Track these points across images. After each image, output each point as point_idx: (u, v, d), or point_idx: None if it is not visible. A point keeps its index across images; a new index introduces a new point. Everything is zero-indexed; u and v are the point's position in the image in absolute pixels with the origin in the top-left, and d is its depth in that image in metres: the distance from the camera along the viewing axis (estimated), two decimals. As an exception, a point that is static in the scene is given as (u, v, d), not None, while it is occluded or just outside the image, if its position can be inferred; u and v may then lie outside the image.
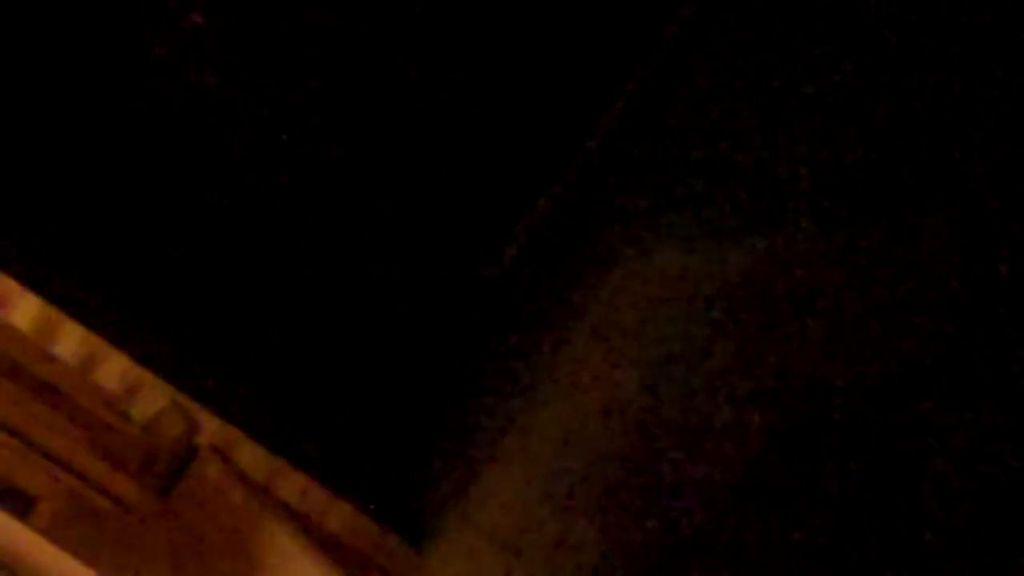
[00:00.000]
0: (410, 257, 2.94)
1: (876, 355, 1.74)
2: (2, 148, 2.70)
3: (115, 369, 2.66)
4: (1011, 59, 1.83)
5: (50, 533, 1.50)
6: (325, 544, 2.42)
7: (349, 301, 2.90)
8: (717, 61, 2.74)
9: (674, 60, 2.90)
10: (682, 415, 2.10)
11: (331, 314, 2.89)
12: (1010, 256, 1.62)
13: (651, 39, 2.96)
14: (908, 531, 1.51)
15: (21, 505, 1.67)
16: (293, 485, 2.71)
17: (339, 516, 2.74)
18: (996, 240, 1.66)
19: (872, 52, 2.17)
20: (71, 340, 2.65)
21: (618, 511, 2.12)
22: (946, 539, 1.47)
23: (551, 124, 2.99)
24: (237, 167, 2.85)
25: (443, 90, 2.93)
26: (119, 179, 2.77)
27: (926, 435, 1.58)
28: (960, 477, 1.49)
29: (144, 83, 2.78)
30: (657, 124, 2.84)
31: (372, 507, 2.74)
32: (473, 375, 2.93)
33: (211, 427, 2.65)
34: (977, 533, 1.44)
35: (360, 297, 2.90)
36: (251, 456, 2.68)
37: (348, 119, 2.89)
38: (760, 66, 2.54)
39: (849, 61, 2.22)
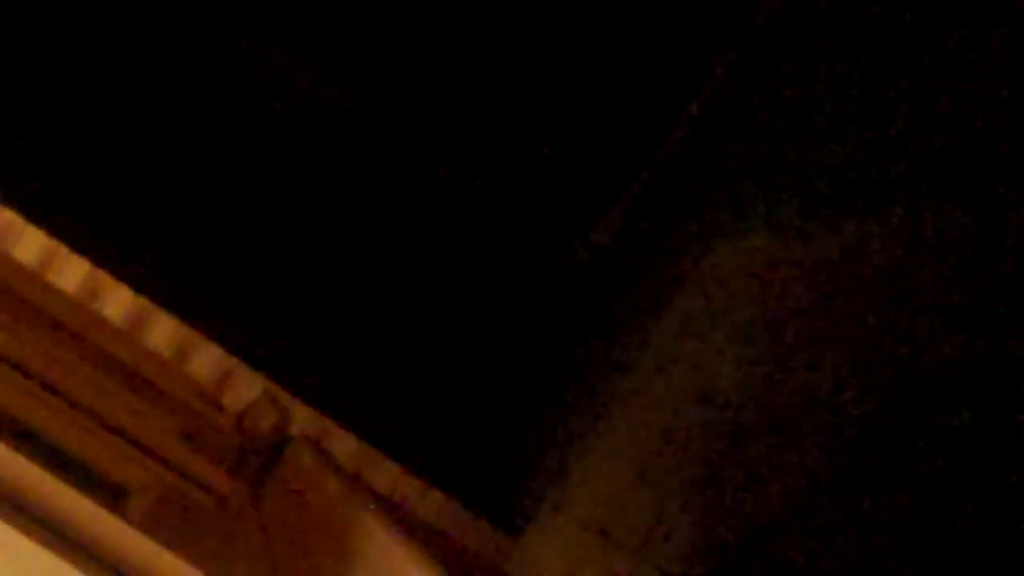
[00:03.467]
0: (504, 242, 2.93)
1: (973, 345, 1.71)
2: (93, 140, 2.72)
3: (207, 360, 2.68)
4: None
5: (144, 526, 1.50)
6: (418, 533, 2.42)
7: (442, 288, 2.89)
8: (805, 45, 2.70)
9: (761, 45, 2.87)
10: (776, 401, 2.08)
11: (424, 301, 2.88)
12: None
13: (739, 24, 2.93)
14: (1005, 529, 1.48)
15: (115, 497, 1.68)
16: (385, 474, 2.72)
17: (432, 505, 2.74)
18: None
19: (974, 32, 2.13)
20: (164, 331, 2.67)
21: (712, 496, 2.11)
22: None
23: (640, 109, 2.97)
24: (329, 155, 2.85)
25: (536, 72, 2.91)
26: (206, 170, 2.78)
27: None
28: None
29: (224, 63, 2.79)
30: (744, 110, 2.81)
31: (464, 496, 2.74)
32: (567, 361, 2.92)
33: (303, 417, 2.66)
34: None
35: (453, 284, 2.90)
36: (343, 446, 2.69)
37: (438, 98, 2.88)
38: (849, 48, 2.50)
39: (946, 39, 2.18)
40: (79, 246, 2.62)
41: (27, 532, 1.27)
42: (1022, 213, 1.74)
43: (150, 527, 1.51)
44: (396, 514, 2.44)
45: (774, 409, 2.08)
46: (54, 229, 2.63)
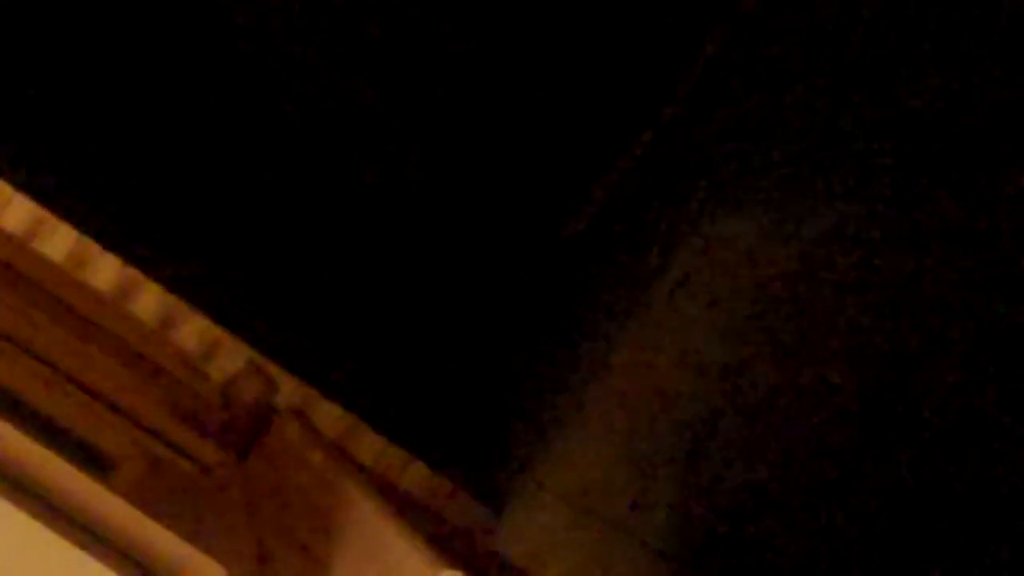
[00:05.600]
0: (488, 216, 2.93)
1: (955, 329, 1.72)
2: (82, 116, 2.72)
3: (193, 330, 2.68)
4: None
5: (130, 495, 1.50)
6: (402, 504, 2.43)
7: (427, 261, 2.89)
8: (792, 30, 2.71)
9: (749, 28, 2.87)
10: (759, 379, 2.09)
11: (409, 275, 2.89)
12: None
13: (726, 6, 2.93)
14: (979, 525, 1.50)
15: (102, 466, 1.68)
16: (370, 445, 2.72)
17: (415, 476, 2.74)
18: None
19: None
20: (150, 301, 2.67)
21: (695, 473, 2.12)
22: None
23: (627, 88, 2.97)
24: (315, 129, 2.85)
25: (521, 47, 2.91)
26: (191, 142, 2.78)
27: (1012, 422, 1.55)
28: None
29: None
30: (729, 93, 2.81)
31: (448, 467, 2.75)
32: (550, 336, 2.93)
33: (288, 387, 2.67)
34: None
35: (438, 257, 2.90)
36: (328, 416, 2.70)
37: (425, 73, 2.88)
38: (835, 34, 2.50)
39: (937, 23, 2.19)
40: (67, 215, 2.62)
41: (14, 502, 1.28)
42: (1010, 201, 1.75)
43: (136, 497, 1.51)
44: (379, 485, 2.45)
45: (758, 387, 2.09)
46: (40, 197, 2.62)
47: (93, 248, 2.64)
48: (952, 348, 1.70)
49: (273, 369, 2.65)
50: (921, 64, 2.15)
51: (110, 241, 2.66)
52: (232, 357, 2.67)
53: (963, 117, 1.95)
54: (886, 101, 2.19)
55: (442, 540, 2.34)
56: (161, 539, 1.44)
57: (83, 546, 1.33)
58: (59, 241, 2.62)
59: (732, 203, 2.51)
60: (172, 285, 2.68)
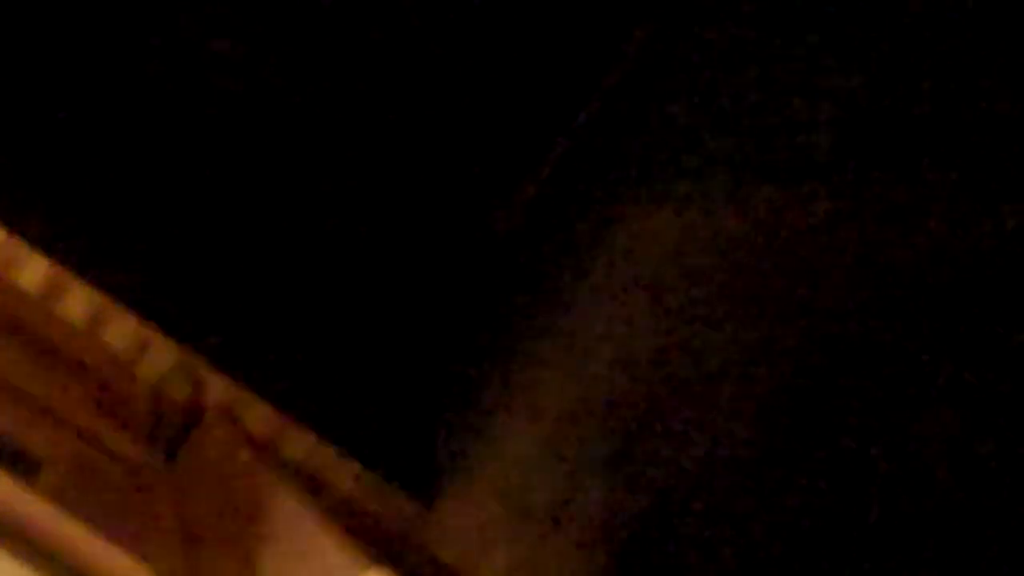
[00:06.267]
0: (418, 213, 2.94)
1: (882, 315, 1.73)
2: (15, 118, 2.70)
3: (122, 329, 2.66)
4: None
5: (56, 496, 1.50)
6: (333, 503, 2.43)
7: (355, 259, 2.89)
8: (726, 16, 2.72)
9: (681, 15, 2.89)
10: (689, 373, 2.10)
11: (337, 272, 2.88)
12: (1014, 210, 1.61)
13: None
14: (913, 501, 1.51)
15: (27, 468, 1.67)
16: (300, 444, 2.71)
17: (347, 475, 2.74)
18: (1001, 196, 1.65)
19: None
20: (78, 300, 2.66)
21: (626, 470, 2.12)
22: (954, 512, 1.47)
23: (553, 83, 2.98)
24: (238, 125, 2.84)
25: (447, 46, 2.91)
26: (117, 137, 2.77)
27: (940, 398, 1.57)
28: (967, 438, 1.49)
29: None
30: (661, 82, 2.83)
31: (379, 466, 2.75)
32: (481, 332, 2.93)
33: (218, 387, 2.66)
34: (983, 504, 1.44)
35: (367, 255, 2.90)
36: (258, 416, 2.69)
37: (355, 79, 2.88)
38: (770, 23, 2.52)
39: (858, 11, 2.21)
40: (-6, 214, 2.61)
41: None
42: (942, 191, 1.77)
43: (62, 498, 1.51)
44: (311, 485, 2.45)
45: (687, 381, 2.10)
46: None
47: (21, 248, 2.62)
48: (881, 333, 1.72)
49: (202, 368, 2.64)
50: (846, 56, 2.17)
51: (39, 241, 2.64)
52: (162, 357, 2.65)
53: (890, 106, 1.97)
54: (812, 92, 2.21)
55: (374, 538, 2.34)
56: (86, 540, 1.43)
57: (7, 547, 1.32)
58: (-15, 241, 2.60)
59: (660, 197, 2.53)
60: (101, 285, 2.66)
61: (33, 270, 2.63)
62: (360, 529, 2.31)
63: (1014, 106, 1.71)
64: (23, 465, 1.67)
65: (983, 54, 1.83)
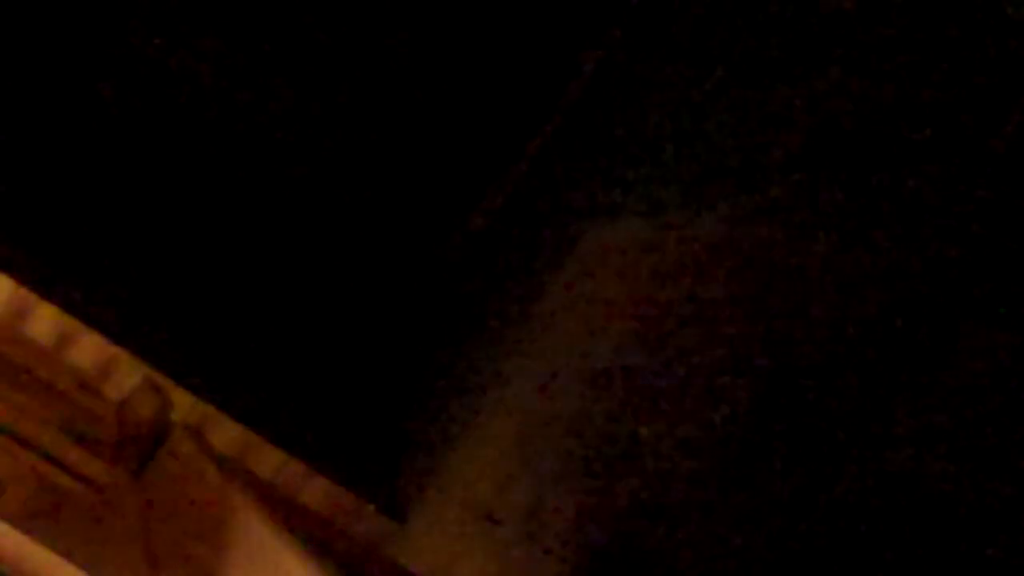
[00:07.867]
0: (383, 229, 2.94)
1: (856, 320, 1.74)
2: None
3: (88, 348, 2.65)
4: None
5: (18, 518, 1.49)
6: (303, 520, 2.42)
7: (322, 276, 2.89)
8: (688, 27, 2.73)
9: (643, 26, 2.89)
10: (656, 381, 2.10)
11: (304, 288, 2.88)
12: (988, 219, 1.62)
13: (619, 4, 2.96)
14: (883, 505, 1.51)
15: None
16: (269, 461, 2.71)
17: (317, 491, 2.73)
18: (959, 200, 1.65)
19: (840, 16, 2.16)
20: (44, 320, 2.64)
21: (593, 478, 2.13)
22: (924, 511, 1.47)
23: (518, 95, 2.98)
24: (198, 144, 2.83)
25: (413, 58, 2.92)
26: (79, 158, 2.76)
27: (907, 402, 1.57)
28: (930, 441, 1.49)
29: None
30: (624, 92, 2.83)
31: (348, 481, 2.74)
32: (448, 345, 2.93)
33: (185, 405, 2.65)
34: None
35: (333, 271, 2.90)
36: (226, 433, 2.68)
37: (331, 76, 2.88)
38: (729, 33, 2.53)
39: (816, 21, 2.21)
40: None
41: None
42: (900, 195, 1.78)
43: (25, 520, 1.50)
44: (280, 501, 2.44)
45: (654, 392, 2.10)
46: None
47: (-17, 268, 2.62)
48: (843, 343, 1.72)
49: (169, 386, 2.63)
50: (805, 65, 2.18)
51: (2, 262, 2.63)
52: (127, 375, 2.64)
53: (849, 114, 1.98)
54: (772, 102, 2.22)
55: (345, 554, 2.33)
56: (48, 563, 1.42)
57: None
58: (-53, 262, 2.59)
59: (623, 208, 2.53)
60: (66, 304, 2.65)
61: (-3, 291, 2.62)
62: (330, 545, 2.30)
63: (971, 112, 1.72)
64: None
65: (940, 60, 1.84)
